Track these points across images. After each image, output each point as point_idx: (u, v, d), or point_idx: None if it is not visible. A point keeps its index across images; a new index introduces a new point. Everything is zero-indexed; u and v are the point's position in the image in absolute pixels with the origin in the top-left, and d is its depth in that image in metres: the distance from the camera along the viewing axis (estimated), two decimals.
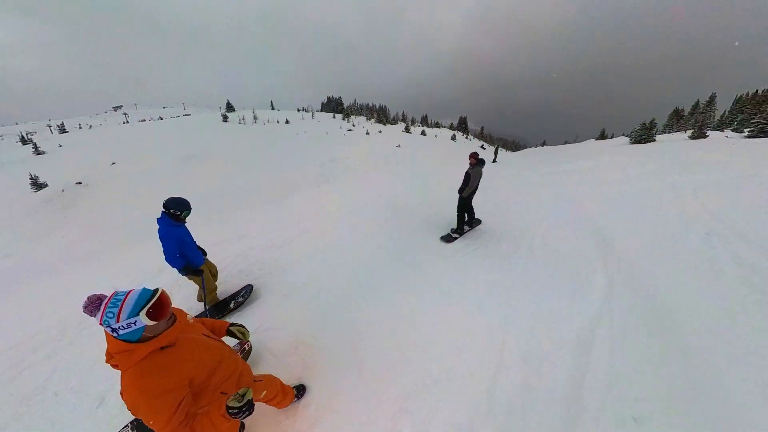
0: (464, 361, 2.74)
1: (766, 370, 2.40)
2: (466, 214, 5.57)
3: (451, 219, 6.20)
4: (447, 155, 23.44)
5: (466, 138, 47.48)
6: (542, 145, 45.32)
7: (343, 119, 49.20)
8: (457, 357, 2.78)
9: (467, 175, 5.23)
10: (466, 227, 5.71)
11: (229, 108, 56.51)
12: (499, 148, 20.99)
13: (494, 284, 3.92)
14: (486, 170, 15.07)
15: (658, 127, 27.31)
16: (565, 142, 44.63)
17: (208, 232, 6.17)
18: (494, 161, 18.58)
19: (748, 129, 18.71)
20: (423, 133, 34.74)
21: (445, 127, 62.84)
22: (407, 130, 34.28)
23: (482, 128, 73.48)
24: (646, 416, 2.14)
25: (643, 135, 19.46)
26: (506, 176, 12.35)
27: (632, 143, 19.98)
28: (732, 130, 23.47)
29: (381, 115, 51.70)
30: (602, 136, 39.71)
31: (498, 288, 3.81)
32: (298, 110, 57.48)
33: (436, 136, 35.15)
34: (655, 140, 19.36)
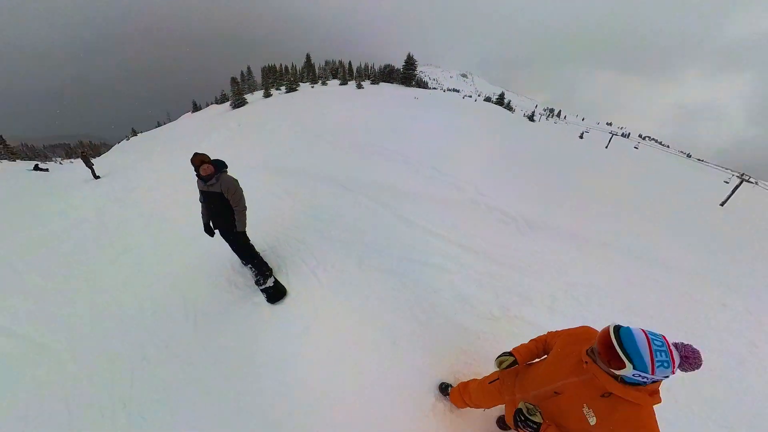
0: None
1: None
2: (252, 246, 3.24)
3: (212, 271, 3.50)
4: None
5: (9, 158, 23.01)
6: (134, 136, 34.35)
7: None
8: None
9: (215, 196, 2.75)
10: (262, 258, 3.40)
11: None
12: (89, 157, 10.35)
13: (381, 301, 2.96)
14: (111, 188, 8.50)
15: (226, 93, 32.90)
16: (158, 124, 39.44)
17: None
18: (97, 177, 9.67)
19: (284, 87, 28.56)
20: None
21: None
22: None
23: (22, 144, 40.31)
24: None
25: (239, 101, 22.51)
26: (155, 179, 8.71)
27: (234, 108, 22.58)
28: (277, 89, 34.25)
29: None
30: (196, 108, 40.20)
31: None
32: None
33: None
34: (247, 102, 23.28)
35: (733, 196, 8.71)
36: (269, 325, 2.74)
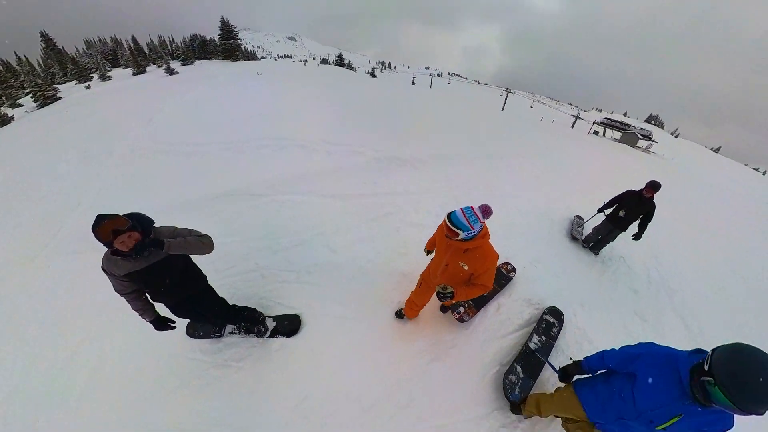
0: None
1: None
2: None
3: (186, 379, 2.75)
4: None
5: None
6: None
7: None
8: None
9: (169, 263, 1.97)
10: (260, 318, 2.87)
11: None
12: None
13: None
14: None
15: None
16: None
17: None
18: None
19: (31, 100, 18.75)
20: None
21: None
22: None
23: None
24: None
25: None
26: None
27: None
28: (13, 107, 21.87)
29: None
30: None
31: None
32: None
33: None
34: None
35: (506, 104, 13.53)
36: (315, 353, 2.51)
